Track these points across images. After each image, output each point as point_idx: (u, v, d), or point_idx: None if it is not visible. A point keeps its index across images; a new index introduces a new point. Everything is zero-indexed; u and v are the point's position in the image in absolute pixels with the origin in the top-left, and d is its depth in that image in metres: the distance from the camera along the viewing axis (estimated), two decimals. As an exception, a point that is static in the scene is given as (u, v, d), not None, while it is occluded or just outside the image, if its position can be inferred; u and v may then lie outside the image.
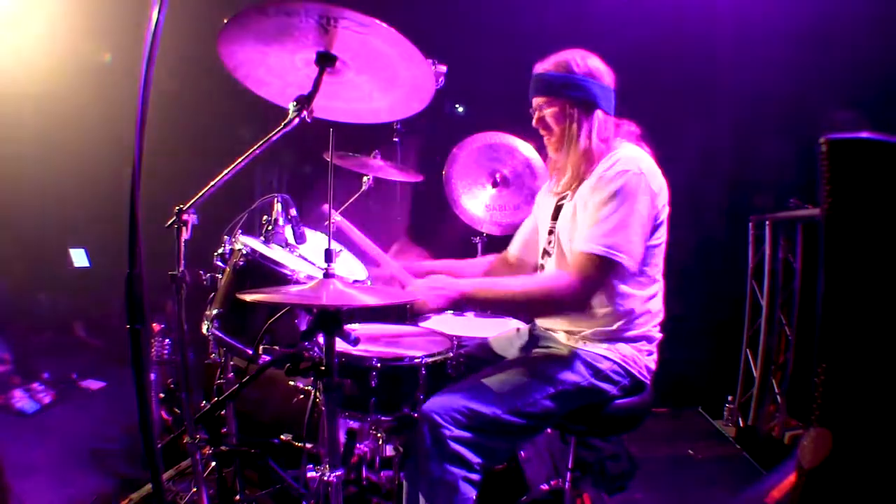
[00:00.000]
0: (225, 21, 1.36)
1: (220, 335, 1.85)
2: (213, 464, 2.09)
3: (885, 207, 0.89)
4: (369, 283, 2.06)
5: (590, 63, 1.74)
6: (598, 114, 1.73)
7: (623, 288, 1.68)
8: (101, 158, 4.37)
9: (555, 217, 1.83)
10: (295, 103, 1.46)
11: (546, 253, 1.87)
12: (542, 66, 1.78)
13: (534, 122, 1.83)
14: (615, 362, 1.68)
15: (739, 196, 4.42)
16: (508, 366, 1.72)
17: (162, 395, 3.11)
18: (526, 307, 1.73)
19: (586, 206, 1.65)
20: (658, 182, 1.66)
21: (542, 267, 1.88)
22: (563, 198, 1.81)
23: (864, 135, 0.89)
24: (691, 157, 4.54)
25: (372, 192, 2.84)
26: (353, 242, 2.00)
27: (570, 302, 1.63)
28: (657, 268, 1.74)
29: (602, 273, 1.58)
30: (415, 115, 1.75)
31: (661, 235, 1.72)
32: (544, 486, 2.13)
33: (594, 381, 1.66)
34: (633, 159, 1.63)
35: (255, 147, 1.45)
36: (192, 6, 2.96)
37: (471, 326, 2.52)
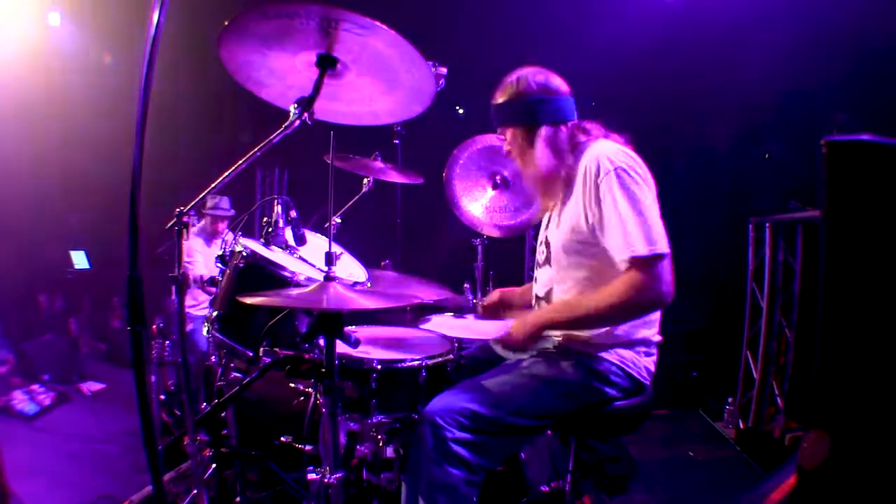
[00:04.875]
0: (226, 23, 1.36)
1: (221, 337, 1.85)
2: (214, 465, 2.10)
3: (884, 209, 0.89)
4: (369, 285, 2.06)
5: (525, 81, 1.72)
6: (542, 130, 1.71)
7: None
8: (102, 160, 4.38)
9: (547, 227, 1.83)
10: (296, 105, 1.46)
11: (538, 264, 1.86)
12: (493, 99, 1.80)
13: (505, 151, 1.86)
14: (615, 364, 1.67)
15: (739, 198, 4.42)
16: (510, 368, 1.72)
17: (163, 396, 3.11)
18: (609, 319, 1.66)
19: (591, 214, 1.61)
20: (642, 167, 1.64)
21: (535, 279, 1.87)
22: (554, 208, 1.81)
23: (864, 137, 0.89)
24: (692, 158, 4.55)
25: (372, 193, 2.85)
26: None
27: (652, 301, 1.58)
28: None
29: (658, 268, 1.52)
30: (415, 117, 1.75)
31: None
32: (544, 488, 2.12)
33: (594, 382, 1.65)
34: (610, 155, 1.61)
35: (255, 149, 1.46)
36: (192, 8, 2.96)
37: (471, 328, 2.51)
